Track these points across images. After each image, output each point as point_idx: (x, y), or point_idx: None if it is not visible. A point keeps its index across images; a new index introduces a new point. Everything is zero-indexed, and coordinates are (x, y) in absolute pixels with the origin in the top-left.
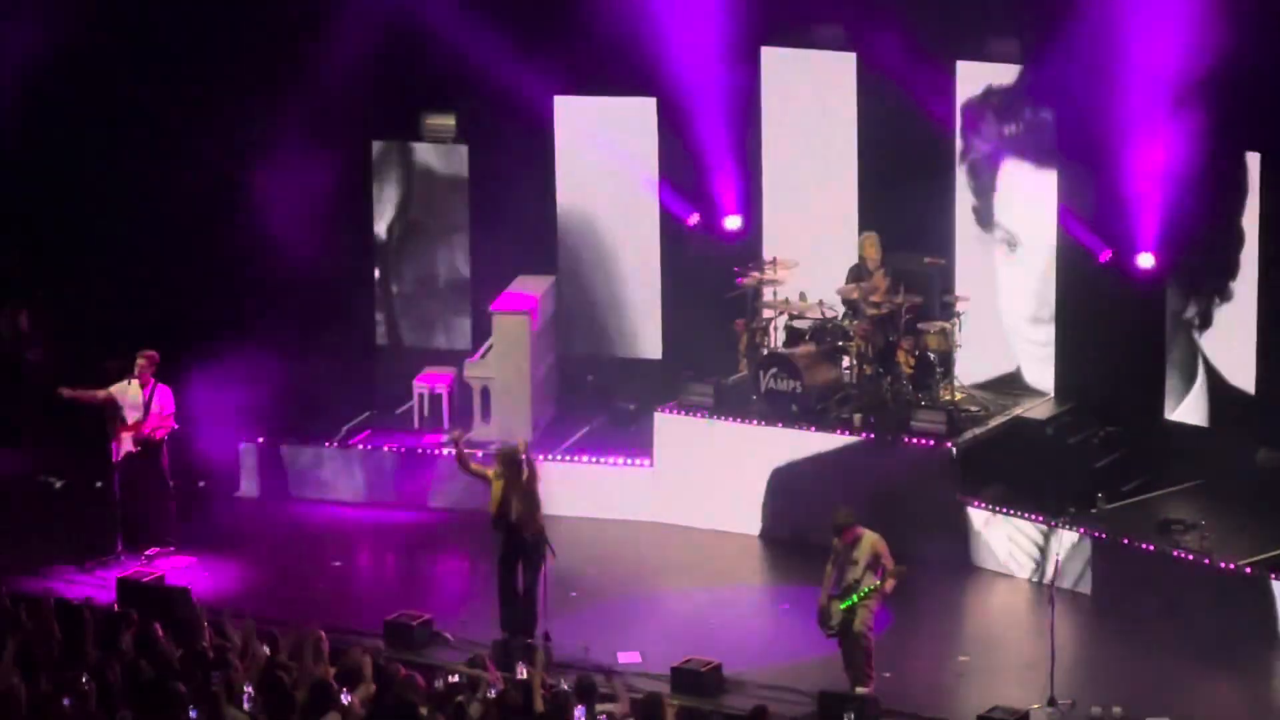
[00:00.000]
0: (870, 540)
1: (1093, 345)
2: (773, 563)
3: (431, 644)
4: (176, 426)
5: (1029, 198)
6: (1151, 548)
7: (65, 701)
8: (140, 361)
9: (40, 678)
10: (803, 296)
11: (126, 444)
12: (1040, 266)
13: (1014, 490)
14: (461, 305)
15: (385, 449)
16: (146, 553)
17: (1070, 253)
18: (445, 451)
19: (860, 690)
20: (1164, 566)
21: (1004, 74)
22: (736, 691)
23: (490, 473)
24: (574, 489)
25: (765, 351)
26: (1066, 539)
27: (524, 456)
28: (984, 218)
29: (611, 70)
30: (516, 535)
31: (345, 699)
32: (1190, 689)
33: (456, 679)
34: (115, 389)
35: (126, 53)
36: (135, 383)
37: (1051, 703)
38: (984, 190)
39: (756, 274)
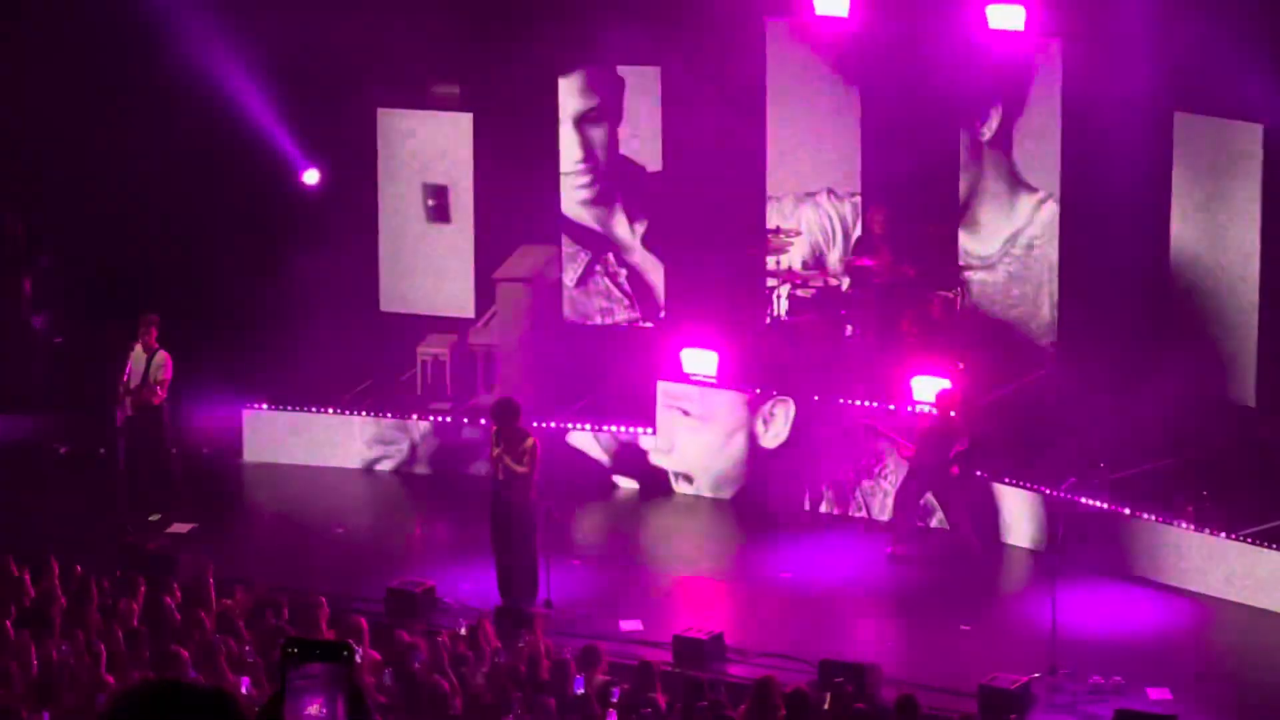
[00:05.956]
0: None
1: (1096, 311)
2: (772, 530)
3: (433, 611)
4: (165, 395)
5: None
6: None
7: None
8: (144, 326)
9: (47, 642)
10: (805, 265)
11: (126, 408)
12: None
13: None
14: (465, 272)
15: (387, 415)
16: (150, 518)
17: (1074, 214)
18: (443, 418)
19: None
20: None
21: None
22: (739, 660)
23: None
24: (573, 456)
25: (769, 320)
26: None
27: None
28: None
29: (614, 41)
30: (503, 498)
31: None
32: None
33: (459, 646)
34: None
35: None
36: (139, 347)
37: (1052, 671)
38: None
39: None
